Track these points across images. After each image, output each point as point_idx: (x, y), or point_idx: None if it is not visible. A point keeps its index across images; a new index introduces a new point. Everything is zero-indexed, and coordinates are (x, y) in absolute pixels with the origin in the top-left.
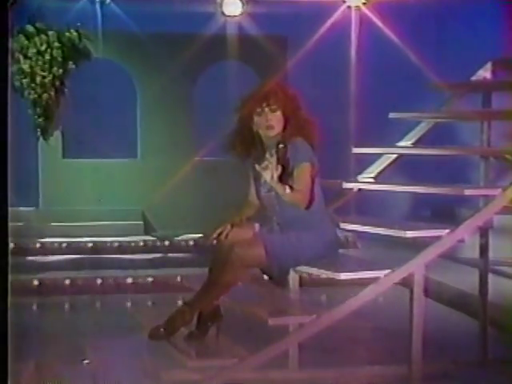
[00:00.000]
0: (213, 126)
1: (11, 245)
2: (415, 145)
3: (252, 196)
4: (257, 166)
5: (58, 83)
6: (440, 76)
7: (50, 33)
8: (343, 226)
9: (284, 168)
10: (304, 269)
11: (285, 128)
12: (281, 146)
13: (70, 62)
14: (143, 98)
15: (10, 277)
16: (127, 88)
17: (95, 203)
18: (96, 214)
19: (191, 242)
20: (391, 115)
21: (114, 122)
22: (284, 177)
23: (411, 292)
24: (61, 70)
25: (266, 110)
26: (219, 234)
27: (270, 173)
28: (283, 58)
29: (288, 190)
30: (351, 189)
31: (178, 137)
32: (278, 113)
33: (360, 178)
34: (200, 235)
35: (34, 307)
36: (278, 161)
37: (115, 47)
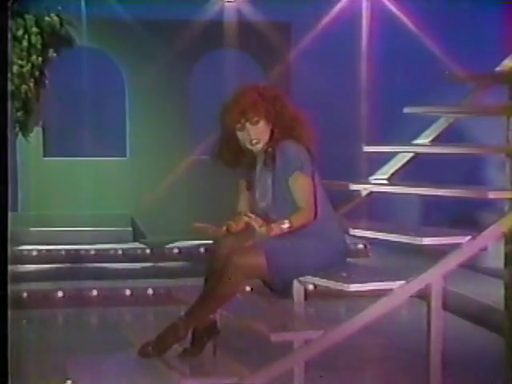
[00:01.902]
0: (210, 120)
1: None
2: (433, 143)
3: (241, 207)
4: (245, 217)
5: (37, 73)
6: (461, 66)
7: (28, 17)
8: (353, 232)
9: (275, 175)
10: (310, 279)
11: (272, 133)
12: (268, 152)
13: (51, 50)
14: (133, 91)
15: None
16: (115, 79)
17: (79, 207)
18: (80, 219)
19: (185, 250)
20: (406, 110)
21: (101, 116)
22: (278, 189)
23: (429, 305)
24: (40, 59)
25: (247, 124)
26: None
27: (260, 229)
28: (287, 46)
29: (287, 225)
30: (361, 191)
31: (172, 133)
32: (261, 123)
33: (372, 179)
34: (194, 242)
35: (10, 321)
36: (266, 163)
37: (101, 34)
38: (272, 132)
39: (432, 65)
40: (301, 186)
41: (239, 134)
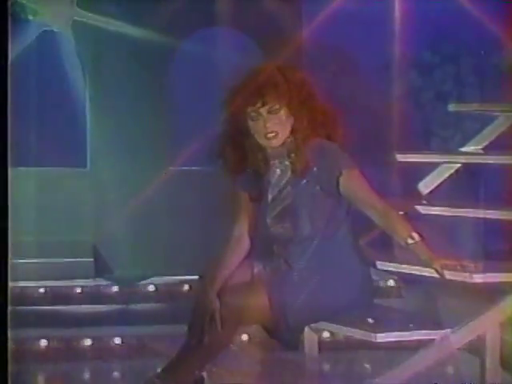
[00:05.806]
0: (195, 121)
1: None
2: (486, 150)
3: (240, 230)
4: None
5: None
6: None
7: None
8: (381, 265)
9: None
10: (325, 326)
11: (292, 129)
12: (293, 155)
13: None
14: (95, 81)
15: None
16: (71, 65)
17: (24, 231)
18: (25, 248)
19: (163, 288)
20: (451, 107)
21: (54, 115)
22: (310, 203)
23: (482, 362)
24: None
25: (263, 112)
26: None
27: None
28: (296, 23)
29: (418, 236)
30: None
31: (145, 137)
32: (282, 112)
33: (407, 196)
34: (175, 278)
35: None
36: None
37: (54, 6)
38: (293, 128)
39: (487, 49)
40: (364, 182)
41: (251, 125)
